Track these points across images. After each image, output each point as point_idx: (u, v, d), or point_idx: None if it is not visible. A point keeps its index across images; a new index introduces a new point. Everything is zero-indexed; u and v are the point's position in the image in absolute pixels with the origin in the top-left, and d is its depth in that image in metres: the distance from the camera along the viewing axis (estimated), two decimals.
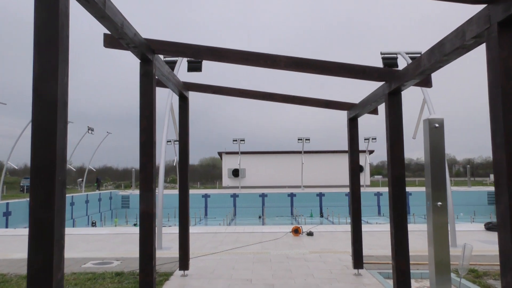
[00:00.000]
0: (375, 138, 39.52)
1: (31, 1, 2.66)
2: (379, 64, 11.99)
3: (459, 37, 3.04)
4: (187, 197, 7.08)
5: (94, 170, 40.62)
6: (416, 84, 4.80)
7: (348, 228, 12.92)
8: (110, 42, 4.86)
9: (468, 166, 45.20)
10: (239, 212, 32.08)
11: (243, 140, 38.30)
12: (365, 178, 40.65)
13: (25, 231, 13.78)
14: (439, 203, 5.29)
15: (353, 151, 7.14)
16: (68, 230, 14.09)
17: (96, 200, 32.38)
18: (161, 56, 12.54)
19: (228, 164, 44.01)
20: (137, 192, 31.51)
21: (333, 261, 8.06)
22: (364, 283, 6.36)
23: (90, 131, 33.14)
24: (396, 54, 12.68)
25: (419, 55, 12.69)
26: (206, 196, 33.35)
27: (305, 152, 39.01)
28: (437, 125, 5.29)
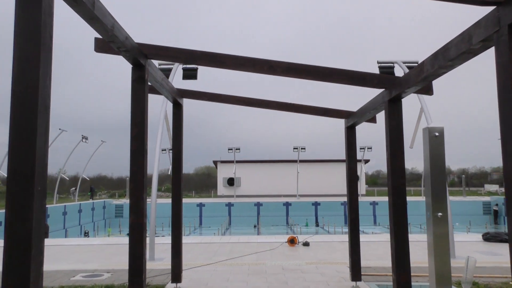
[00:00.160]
0: (371, 148, 39.52)
1: None
2: (376, 72, 11.89)
3: (465, 41, 2.90)
4: (180, 207, 6.87)
5: (88, 179, 40.19)
6: (417, 92, 4.66)
7: (344, 238, 12.70)
8: (101, 46, 4.69)
9: (463, 176, 45.21)
10: (234, 221, 31.78)
11: (238, 149, 38.13)
12: (360, 187, 40.51)
13: None
14: (440, 214, 5.13)
15: (351, 160, 6.98)
16: (59, 241, 13.78)
17: (89, 209, 31.94)
18: (157, 64, 12.41)
19: (223, 173, 43.72)
20: None
21: (330, 272, 7.85)
22: None
23: (84, 140, 32.82)
24: (393, 63, 12.62)
25: (416, 64, 12.64)
26: (201, 205, 33.03)
27: (301, 161, 38.88)
28: (437, 134, 5.15)
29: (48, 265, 9.03)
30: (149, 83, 5.70)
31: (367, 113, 5.82)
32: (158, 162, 10.65)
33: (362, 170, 41.35)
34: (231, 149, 38.12)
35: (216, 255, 9.91)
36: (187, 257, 9.56)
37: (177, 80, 12.74)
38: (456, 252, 9.62)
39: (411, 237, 12.93)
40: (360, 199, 32.71)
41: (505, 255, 9.65)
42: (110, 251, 10.99)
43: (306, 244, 11.32)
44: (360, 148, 38.22)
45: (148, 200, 12.72)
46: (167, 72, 12.28)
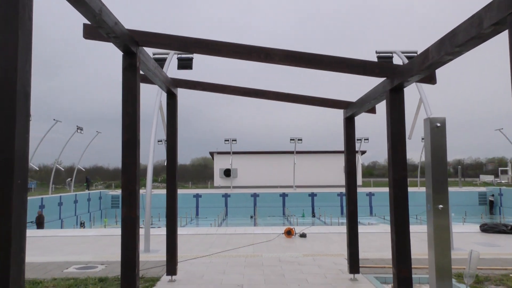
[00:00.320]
0: (368, 139, 39.43)
1: None
2: None
3: (475, 25, 2.73)
4: (175, 199, 6.72)
5: (83, 170, 39.93)
6: (420, 81, 4.51)
7: (341, 229, 12.63)
8: (90, 32, 4.50)
9: (459, 167, 45.28)
10: (230, 212, 31.73)
11: (235, 140, 37.93)
12: (356, 178, 40.48)
13: None
14: (441, 206, 5.01)
15: (350, 151, 6.84)
16: (53, 232, 13.63)
17: (85, 200, 31.78)
18: (151, 54, 12.16)
19: (220, 164, 43.58)
20: None
21: (327, 264, 7.75)
22: None
23: (79, 131, 32.51)
24: (391, 52, 12.44)
25: (416, 54, 12.45)
26: (197, 196, 32.93)
27: (297, 152, 38.76)
28: (438, 124, 5.00)
29: (41, 257, 8.90)
30: (141, 72, 5.53)
31: (366, 103, 5.66)
32: (153, 153, 10.47)
33: (359, 162, 41.31)
34: (228, 140, 37.92)
35: (213, 247, 9.81)
36: (183, 248, 9.45)
37: (172, 71, 12.52)
38: (454, 243, 9.54)
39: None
40: (357, 189, 32.72)
41: (503, 246, 9.60)
42: (105, 242, 10.86)
43: (303, 235, 11.24)
44: (357, 139, 38.11)
45: (143, 191, 12.59)
46: (161, 62, 12.06)
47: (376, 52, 12.63)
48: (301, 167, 39.42)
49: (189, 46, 4.71)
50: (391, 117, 4.54)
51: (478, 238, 10.94)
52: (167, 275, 6.62)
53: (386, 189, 35.68)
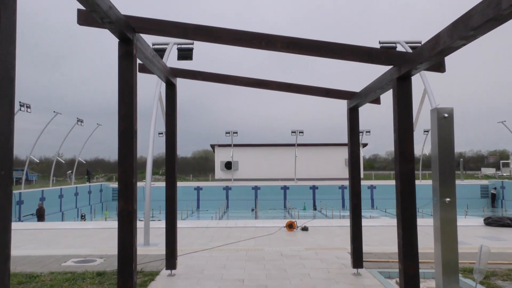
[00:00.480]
0: (369, 131, 39.22)
1: None
2: None
3: (492, 6, 2.54)
4: (175, 191, 6.57)
5: (84, 162, 39.84)
6: (428, 69, 4.33)
7: (343, 222, 12.51)
8: (84, 18, 4.31)
9: (461, 159, 45.10)
10: (231, 205, 31.65)
11: (236, 133, 37.74)
12: (360, 171, 40.29)
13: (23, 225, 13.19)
14: (448, 199, 4.86)
15: (354, 143, 6.66)
16: (53, 225, 13.53)
17: (86, 192, 31.72)
18: (151, 45, 11.94)
19: (221, 156, 43.44)
20: None
21: (330, 259, 7.62)
22: (365, 285, 5.93)
23: (79, 123, 32.35)
24: (395, 43, 12.21)
25: (420, 44, 12.21)
26: (198, 189, 32.85)
27: (299, 144, 38.59)
28: (446, 115, 4.83)
29: (40, 250, 8.78)
30: (139, 61, 5.35)
31: (371, 93, 5.48)
32: (152, 145, 10.31)
33: (360, 154, 41.15)
34: (229, 133, 37.74)
35: (213, 240, 9.68)
36: (183, 242, 9.33)
37: (172, 63, 12.31)
38: (458, 237, 9.38)
39: None
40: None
41: (509, 240, 9.45)
42: (105, 235, 10.75)
43: (304, 229, 11.10)
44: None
45: (143, 183, 12.40)
46: (161, 52, 11.86)
47: (380, 43, 12.40)
48: (303, 159, 39.27)
49: (188, 33, 4.52)
50: (398, 107, 4.36)
51: (482, 231, 10.80)
52: (166, 269, 6.49)
53: (387, 182, 35.63)
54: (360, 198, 6.60)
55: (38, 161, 35.56)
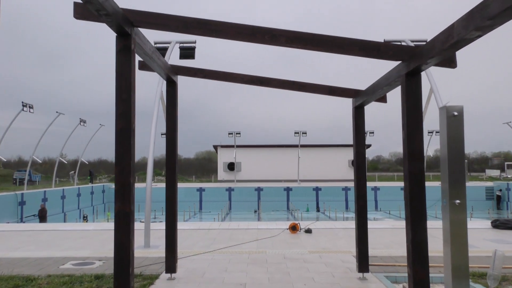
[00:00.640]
0: (373, 132, 38.94)
1: None
2: None
3: None
4: (175, 192, 6.39)
5: (87, 163, 39.76)
6: (439, 64, 4.13)
7: (347, 224, 12.30)
8: (81, 12, 4.14)
9: (466, 161, 44.75)
10: (234, 206, 31.48)
11: (239, 133, 37.59)
12: (366, 172, 39.99)
13: (24, 226, 13.07)
14: (458, 201, 4.66)
15: (359, 143, 6.46)
16: (53, 226, 13.39)
17: (89, 193, 31.63)
18: (153, 43, 11.79)
19: (224, 157, 43.28)
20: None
21: (334, 262, 7.42)
22: None
23: (82, 123, 32.28)
24: (400, 41, 12.00)
25: (425, 42, 12.02)
26: (201, 190, 32.70)
27: (302, 145, 38.38)
28: (455, 113, 4.64)
29: (39, 252, 8.63)
30: (139, 58, 5.18)
31: (378, 91, 5.28)
32: (153, 145, 10.14)
33: None
34: (232, 134, 37.58)
35: (215, 243, 9.50)
36: (184, 244, 9.16)
37: (174, 61, 12.15)
38: None
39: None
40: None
41: None
42: (106, 237, 10.59)
43: (308, 231, 10.90)
44: None
45: (143, 185, 12.22)
46: (162, 51, 11.70)
47: (384, 41, 12.20)
48: (306, 160, 39.05)
49: (189, 27, 4.35)
50: (407, 104, 4.16)
51: (489, 234, 10.56)
52: (166, 272, 6.31)
53: (391, 184, 35.34)
54: (366, 200, 6.41)
55: (41, 162, 35.46)
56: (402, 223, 13.18)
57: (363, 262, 6.27)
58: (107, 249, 8.83)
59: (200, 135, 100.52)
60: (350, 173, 40.21)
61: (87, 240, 10.12)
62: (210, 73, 6.39)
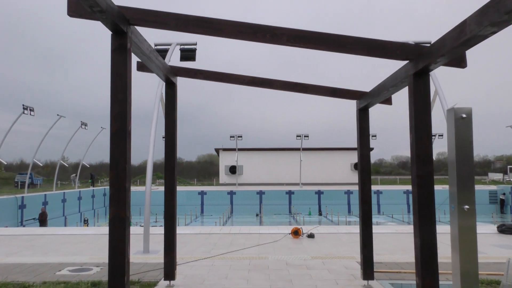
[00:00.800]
0: (375, 135, 38.73)
1: None
2: None
3: None
4: (174, 196, 6.21)
5: (88, 166, 39.66)
6: (448, 64, 3.96)
7: (350, 229, 12.09)
8: (75, 9, 3.98)
9: None
10: (236, 210, 31.27)
11: (241, 137, 37.42)
12: (370, 175, 39.71)
13: (22, 231, 12.89)
14: (466, 206, 4.48)
15: (363, 145, 6.28)
16: (52, 230, 13.23)
17: (90, 196, 31.47)
18: (153, 45, 11.66)
19: (225, 160, 43.10)
20: (134, 188, 30.64)
21: (338, 269, 7.21)
22: None
23: (83, 126, 32.17)
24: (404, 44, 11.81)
25: (429, 44, 11.83)
26: (202, 193, 32.52)
27: (304, 149, 38.17)
28: (464, 115, 4.46)
29: (35, 257, 8.46)
30: (138, 60, 5.03)
31: (384, 92, 5.10)
32: (153, 148, 9.98)
33: None
34: (233, 137, 37.41)
35: (216, 248, 9.30)
36: (184, 249, 8.98)
37: (175, 64, 12.00)
38: None
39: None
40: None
41: None
42: (105, 241, 10.37)
43: (311, 236, 10.70)
44: None
45: (143, 188, 12.06)
46: (163, 53, 11.56)
47: None
48: (308, 164, 38.82)
49: (188, 25, 4.18)
50: (415, 106, 3.98)
51: (496, 239, 10.34)
52: (164, 280, 6.13)
53: (393, 187, 35.05)
54: (370, 205, 6.21)
55: (42, 165, 35.39)
56: (406, 228, 12.98)
57: (368, 270, 6.07)
58: (106, 255, 8.58)
59: (202, 138, 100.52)
60: (352, 177, 40.00)
61: (86, 245, 9.94)
62: (211, 74, 6.23)
